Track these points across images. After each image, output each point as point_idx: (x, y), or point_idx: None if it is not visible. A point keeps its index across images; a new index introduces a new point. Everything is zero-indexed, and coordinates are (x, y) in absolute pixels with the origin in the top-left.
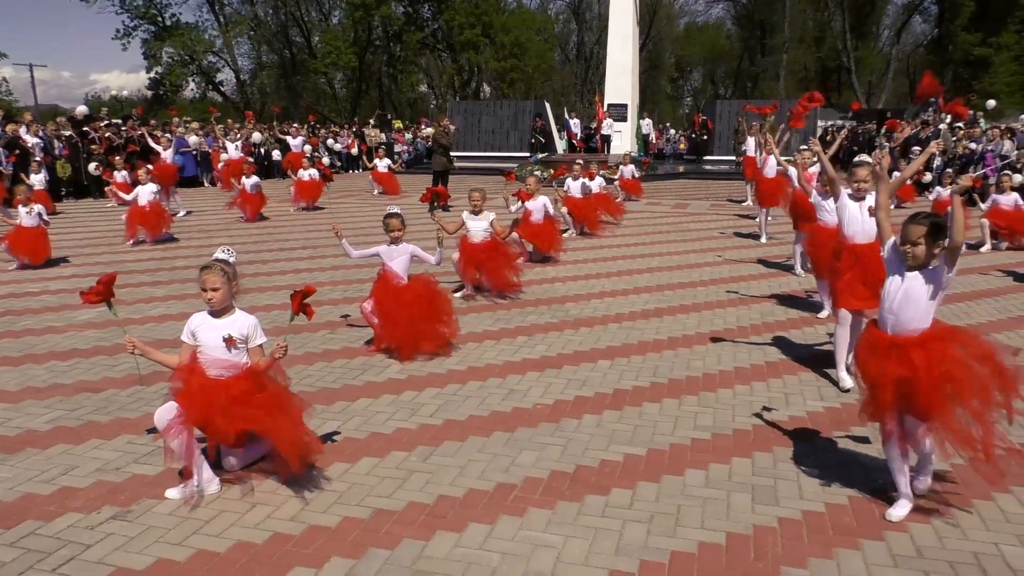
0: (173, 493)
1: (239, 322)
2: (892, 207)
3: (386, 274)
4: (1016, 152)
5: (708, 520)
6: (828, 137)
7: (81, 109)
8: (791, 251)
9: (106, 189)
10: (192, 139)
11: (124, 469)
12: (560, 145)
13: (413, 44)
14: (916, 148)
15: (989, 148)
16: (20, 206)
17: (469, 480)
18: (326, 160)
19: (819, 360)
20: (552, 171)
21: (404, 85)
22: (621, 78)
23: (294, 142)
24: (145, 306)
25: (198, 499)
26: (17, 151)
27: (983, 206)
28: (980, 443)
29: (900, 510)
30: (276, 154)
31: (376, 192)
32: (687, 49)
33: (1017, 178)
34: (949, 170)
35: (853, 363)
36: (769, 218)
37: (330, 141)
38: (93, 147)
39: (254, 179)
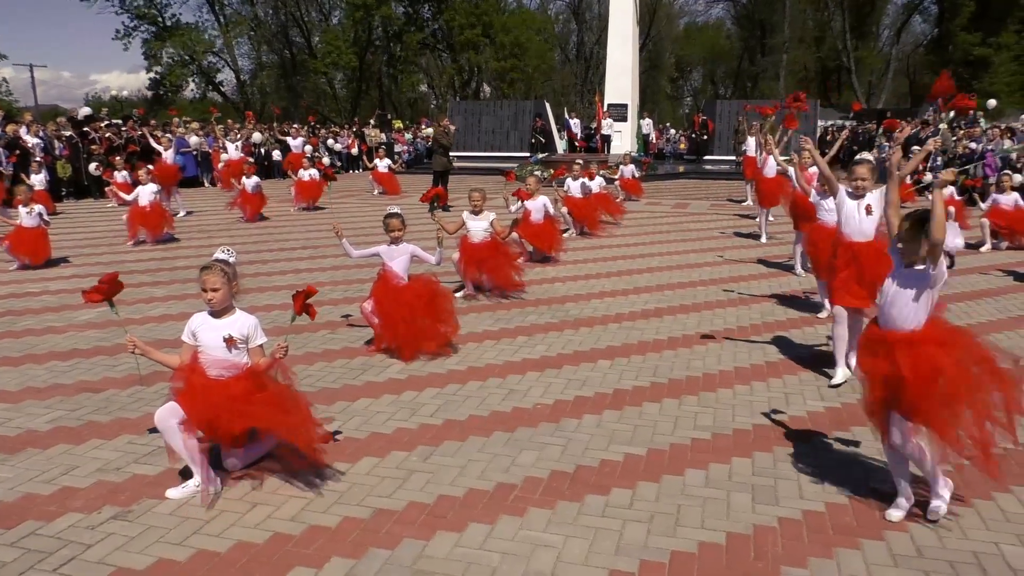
0: (174, 493)
1: (239, 322)
2: None
3: (386, 274)
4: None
5: (708, 520)
6: (829, 137)
7: (84, 111)
8: (791, 251)
9: (106, 189)
10: (192, 139)
11: (124, 469)
12: (560, 145)
13: (413, 44)
14: (916, 148)
15: (989, 148)
16: (20, 206)
17: (469, 480)
18: (326, 160)
19: (819, 360)
20: (552, 171)
21: (404, 85)
22: (621, 78)
23: (294, 143)
24: (145, 306)
25: (214, 498)
26: (17, 151)
27: (983, 206)
28: (974, 445)
29: (899, 510)
30: (276, 154)
31: (376, 192)
32: (687, 49)
33: (1017, 178)
34: (949, 169)
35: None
36: (771, 218)
37: (330, 141)
38: (93, 147)
39: (254, 179)
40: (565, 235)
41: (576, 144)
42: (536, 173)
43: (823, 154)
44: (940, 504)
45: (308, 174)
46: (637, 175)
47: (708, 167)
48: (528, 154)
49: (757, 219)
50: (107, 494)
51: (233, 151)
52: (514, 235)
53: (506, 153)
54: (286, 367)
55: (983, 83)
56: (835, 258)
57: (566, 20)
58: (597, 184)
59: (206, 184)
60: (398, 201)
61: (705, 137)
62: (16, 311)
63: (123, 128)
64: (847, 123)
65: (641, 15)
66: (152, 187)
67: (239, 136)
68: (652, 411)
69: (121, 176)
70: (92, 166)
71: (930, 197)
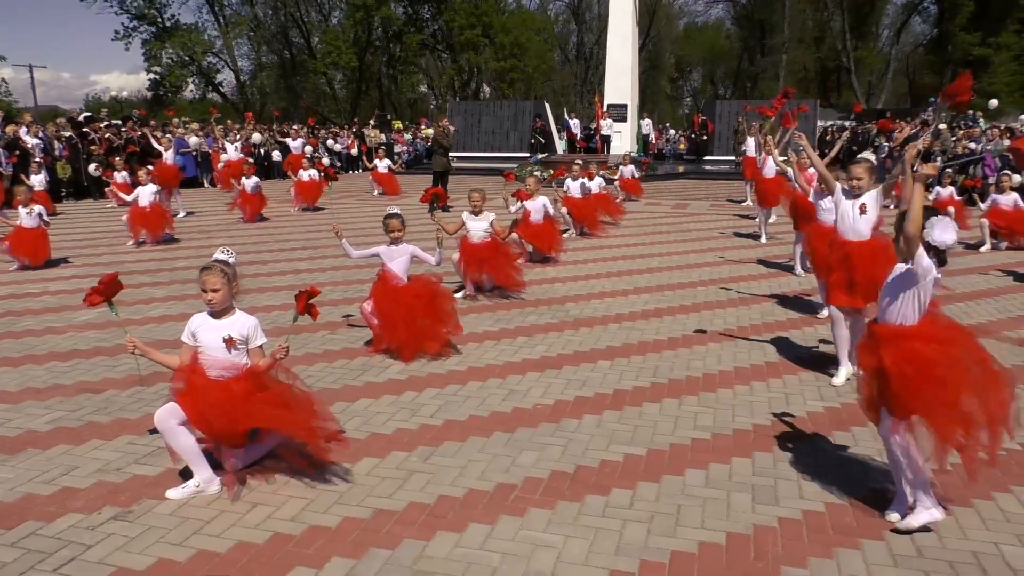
0: (174, 494)
1: (239, 323)
2: (891, 207)
3: (386, 274)
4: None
5: (708, 520)
6: (828, 137)
7: (87, 116)
8: (791, 251)
9: (106, 190)
10: (192, 140)
11: (125, 470)
12: (560, 145)
13: (413, 45)
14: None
15: (988, 148)
16: (20, 207)
17: (469, 480)
18: (326, 160)
19: (819, 360)
20: (551, 171)
21: (404, 86)
22: (621, 78)
23: (294, 144)
24: (145, 307)
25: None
26: (17, 152)
27: (983, 206)
28: (960, 447)
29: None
30: (276, 155)
31: (376, 193)
32: (687, 49)
33: (1016, 178)
34: (949, 170)
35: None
36: (773, 218)
37: (330, 142)
38: (93, 148)
39: (254, 179)
40: (565, 235)
41: (576, 144)
42: (536, 173)
43: (823, 155)
44: (909, 519)
45: (308, 174)
46: (637, 175)
47: (708, 167)
48: (528, 154)
49: (757, 219)
50: (107, 494)
51: (232, 152)
52: (514, 235)
53: (506, 153)
54: (287, 368)
55: (983, 83)
56: (831, 256)
57: (566, 20)
58: (597, 184)
59: (206, 184)
60: (398, 202)
61: (705, 137)
62: (16, 312)
63: (123, 129)
64: (847, 123)
65: (641, 15)
66: (152, 188)
67: (238, 137)
68: (652, 411)
69: (121, 177)
70: (92, 167)
71: (930, 197)
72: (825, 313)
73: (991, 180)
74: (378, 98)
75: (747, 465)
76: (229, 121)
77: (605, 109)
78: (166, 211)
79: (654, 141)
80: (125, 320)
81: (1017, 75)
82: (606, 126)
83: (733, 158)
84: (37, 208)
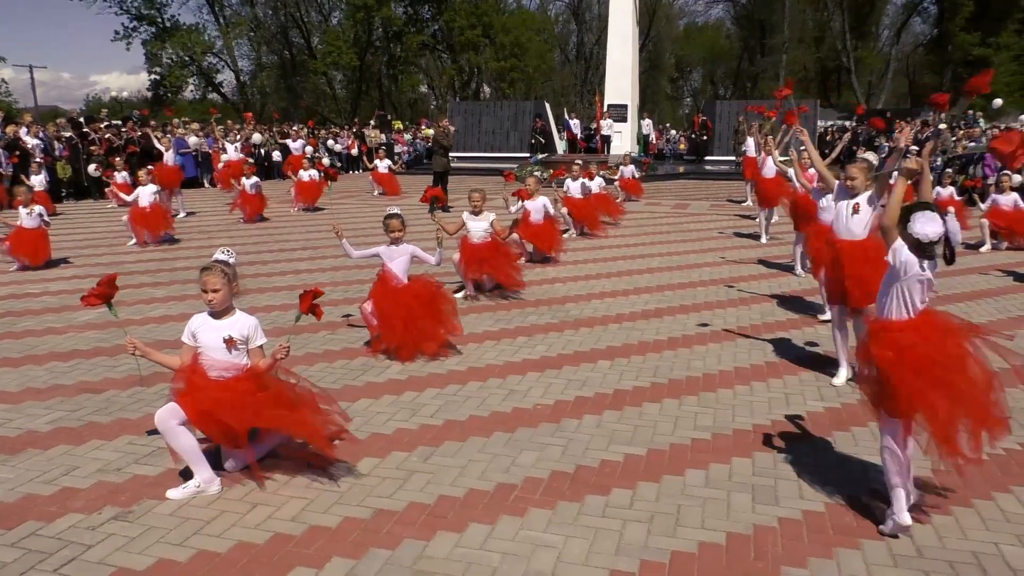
0: (174, 494)
1: (239, 323)
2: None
3: (386, 275)
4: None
5: (708, 520)
6: (829, 138)
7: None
8: (791, 251)
9: (106, 190)
10: (192, 140)
11: (125, 470)
12: (560, 146)
13: (413, 45)
14: (914, 148)
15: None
16: (21, 207)
17: (469, 480)
18: (326, 161)
19: (819, 360)
20: (552, 171)
21: (404, 86)
22: (621, 78)
23: (294, 145)
24: (146, 307)
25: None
26: (17, 152)
27: (983, 206)
28: (945, 446)
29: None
30: (276, 155)
31: (376, 193)
32: (687, 49)
33: (1016, 178)
34: (949, 170)
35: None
36: (775, 217)
37: (330, 142)
38: (93, 148)
39: (254, 179)
40: (565, 235)
41: (576, 144)
42: (536, 173)
43: (824, 155)
44: (888, 522)
45: (308, 175)
46: (637, 175)
47: (708, 167)
48: (528, 154)
49: (757, 219)
50: (107, 495)
51: (232, 152)
52: (514, 235)
53: (506, 154)
54: (287, 369)
55: None
56: (828, 253)
57: (566, 20)
58: (597, 184)
59: (206, 185)
60: (398, 202)
61: (705, 137)
62: (16, 312)
63: (123, 129)
64: (848, 124)
65: (641, 15)
66: (152, 188)
67: (238, 137)
68: (652, 411)
69: (121, 177)
70: (92, 167)
71: (938, 193)
72: (827, 315)
73: (991, 180)
74: (378, 98)
75: (747, 465)
76: (229, 121)
77: (605, 109)
78: (166, 211)
79: (654, 141)
80: (125, 320)
81: (1017, 75)
82: (606, 126)
83: (733, 158)
84: (37, 208)
